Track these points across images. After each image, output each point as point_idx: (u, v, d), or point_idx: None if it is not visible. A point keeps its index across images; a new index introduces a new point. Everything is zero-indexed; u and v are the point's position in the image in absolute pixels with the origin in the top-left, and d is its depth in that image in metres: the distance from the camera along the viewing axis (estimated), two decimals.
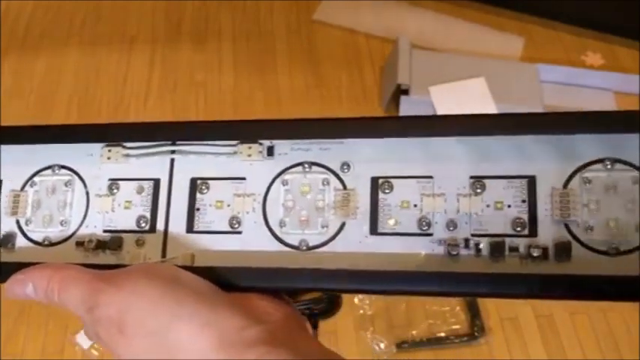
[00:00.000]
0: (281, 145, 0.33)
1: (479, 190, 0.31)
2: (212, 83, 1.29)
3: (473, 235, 0.30)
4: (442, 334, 0.86)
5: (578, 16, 1.33)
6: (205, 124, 0.34)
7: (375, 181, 0.32)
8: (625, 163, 0.30)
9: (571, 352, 0.89)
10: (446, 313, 0.87)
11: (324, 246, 0.31)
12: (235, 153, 0.33)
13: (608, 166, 0.30)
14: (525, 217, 0.30)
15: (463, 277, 0.29)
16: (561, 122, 0.30)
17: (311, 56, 1.32)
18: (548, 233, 0.29)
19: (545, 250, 0.29)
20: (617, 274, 0.28)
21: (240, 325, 0.28)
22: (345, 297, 0.95)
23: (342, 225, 0.31)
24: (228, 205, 0.33)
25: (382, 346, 0.84)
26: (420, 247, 0.30)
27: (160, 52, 1.36)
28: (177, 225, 0.33)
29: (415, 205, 0.31)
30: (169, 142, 0.34)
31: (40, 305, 0.94)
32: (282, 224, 0.32)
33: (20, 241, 0.35)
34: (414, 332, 0.86)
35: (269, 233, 0.32)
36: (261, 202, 0.32)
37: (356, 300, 0.89)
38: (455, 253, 0.30)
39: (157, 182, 0.34)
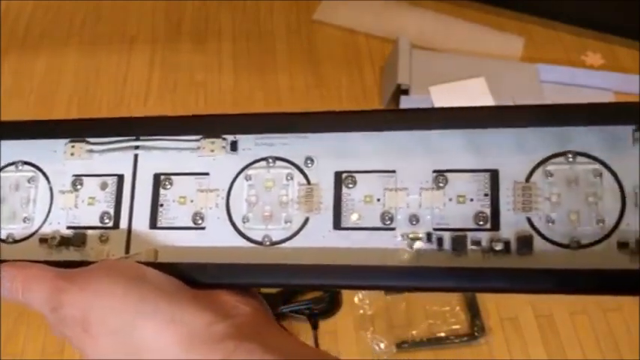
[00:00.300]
0: (245, 140, 0.33)
1: (441, 184, 0.31)
2: (212, 83, 1.29)
3: (435, 230, 0.30)
4: (442, 334, 0.86)
5: (578, 16, 1.33)
6: (168, 118, 0.34)
7: (338, 175, 0.32)
8: (587, 156, 0.30)
9: (571, 352, 0.89)
10: (446, 313, 0.87)
11: (288, 241, 0.31)
12: (199, 148, 0.33)
13: (570, 159, 0.30)
14: (488, 210, 0.30)
15: (425, 272, 0.29)
16: (524, 115, 0.30)
17: (311, 56, 1.32)
18: (510, 227, 0.29)
19: (507, 243, 0.29)
20: (578, 267, 0.28)
21: (206, 321, 0.28)
22: (345, 297, 0.95)
23: (306, 220, 0.31)
24: (192, 201, 0.33)
25: (382, 346, 0.84)
26: (383, 242, 0.30)
27: (160, 52, 1.36)
28: (141, 221, 0.33)
29: (378, 200, 0.31)
30: (133, 138, 0.34)
31: None
32: (245, 220, 0.32)
33: None
34: (414, 332, 0.86)
35: (232, 229, 0.32)
36: (224, 197, 0.32)
37: (356, 300, 0.89)
38: (417, 247, 0.30)
39: (120, 178, 0.34)
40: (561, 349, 0.89)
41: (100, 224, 0.33)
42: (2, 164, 0.35)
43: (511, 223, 0.29)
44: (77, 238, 0.33)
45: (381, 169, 0.31)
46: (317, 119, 0.32)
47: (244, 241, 0.32)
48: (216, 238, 0.32)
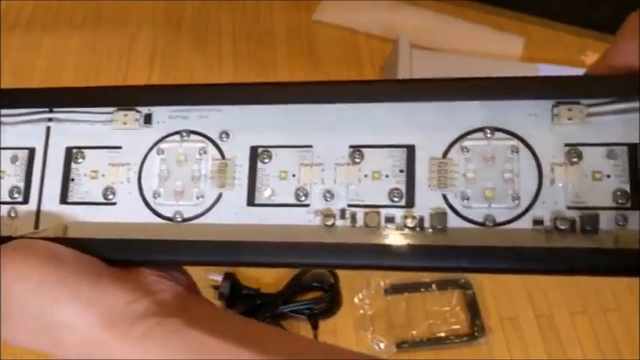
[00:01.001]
0: (159, 113, 0.32)
1: (357, 160, 0.30)
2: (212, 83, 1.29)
3: (349, 206, 0.29)
4: (442, 334, 0.86)
5: (578, 16, 1.33)
6: (82, 90, 0.33)
7: (254, 150, 0.31)
8: (505, 131, 0.29)
9: (571, 352, 0.89)
10: (446, 313, 0.87)
11: (200, 217, 0.31)
12: (112, 121, 0.32)
13: (489, 135, 0.29)
14: (403, 187, 0.29)
15: (337, 248, 0.29)
16: (444, 89, 0.31)
17: (311, 56, 1.32)
18: (425, 203, 0.29)
19: (421, 220, 0.29)
20: (492, 244, 0.27)
21: (126, 299, 0.27)
22: (345, 297, 0.95)
23: (219, 196, 0.31)
24: (103, 175, 0.32)
25: (382, 346, 0.84)
26: (297, 218, 0.30)
27: (160, 52, 1.36)
28: (52, 196, 0.32)
29: (293, 175, 0.30)
30: (46, 110, 0.32)
31: None
32: (156, 195, 0.31)
33: None
34: (414, 332, 0.86)
35: (143, 204, 0.31)
36: (136, 172, 0.31)
37: (356, 300, 0.89)
38: (330, 223, 0.29)
39: (31, 151, 0.33)
40: (561, 349, 0.89)
41: (9, 199, 0.32)
42: None
43: (426, 200, 0.29)
44: None
45: (298, 144, 0.30)
46: (233, 91, 0.32)
47: (155, 217, 0.31)
48: (128, 214, 0.31)
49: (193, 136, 0.31)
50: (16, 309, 0.28)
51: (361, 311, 0.88)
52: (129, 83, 1.33)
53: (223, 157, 0.31)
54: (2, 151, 0.33)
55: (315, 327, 0.85)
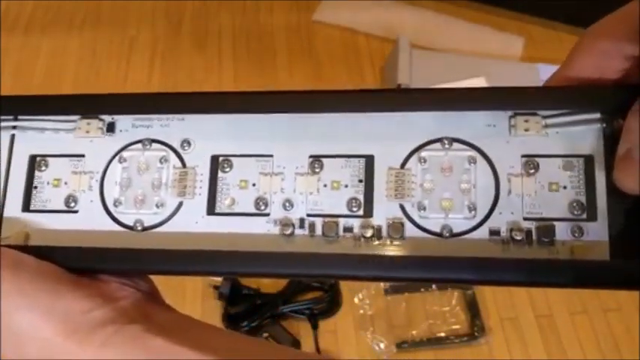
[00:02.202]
0: (122, 121, 0.32)
1: (317, 170, 0.30)
2: (212, 83, 1.29)
3: (309, 215, 0.30)
4: (442, 334, 0.86)
5: (578, 16, 1.33)
6: (45, 97, 0.33)
7: (215, 159, 0.31)
8: (463, 142, 0.29)
9: (571, 352, 0.89)
10: (446, 313, 0.87)
11: (160, 226, 0.31)
12: (75, 129, 0.32)
13: (447, 146, 0.29)
14: (361, 197, 0.30)
15: (295, 257, 0.29)
16: (403, 100, 0.30)
17: (311, 56, 1.32)
18: (383, 213, 0.29)
19: (379, 230, 0.29)
20: (448, 255, 0.28)
21: (85, 308, 0.27)
22: (345, 297, 0.95)
23: (179, 205, 0.31)
24: (66, 184, 0.32)
25: (382, 346, 0.84)
26: (257, 228, 0.30)
27: (160, 52, 1.36)
28: (14, 204, 0.32)
29: (254, 185, 0.30)
30: (11, 117, 0.33)
31: None
32: (117, 203, 0.31)
33: None
34: (414, 332, 0.86)
35: (105, 212, 0.31)
36: (98, 180, 0.32)
37: (356, 300, 0.89)
38: (288, 233, 0.29)
39: None
40: (561, 349, 0.89)
41: None
42: None
43: (384, 210, 0.29)
44: None
45: (258, 154, 0.31)
46: (195, 100, 0.32)
47: (116, 225, 0.31)
48: (89, 222, 0.31)
49: (155, 145, 0.32)
50: None
51: (361, 311, 0.88)
52: (129, 83, 1.33)
53: (184, 165, 0.31)
54: None
55: (315, 327, 0.85)
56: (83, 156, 0.32)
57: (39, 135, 0.32)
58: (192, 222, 0.30)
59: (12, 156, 0.33)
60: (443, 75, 1.17)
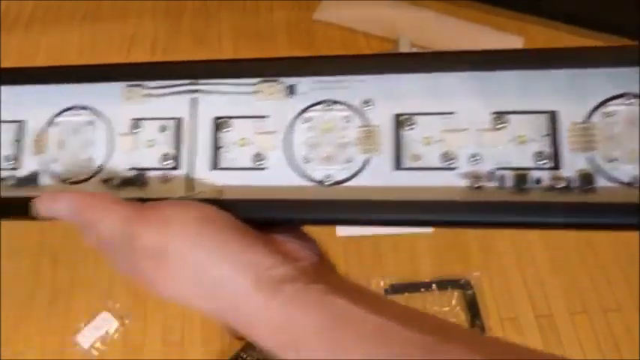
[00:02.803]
0: (302, 84, 0.33)
1: (501, 125, 0.31)
2: None
3: (497, 169, 0.31)
4: None
5: (578, 16, 1.33)
6: (227, 62, 0.35)
7: (397, 117, 0.32)
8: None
9: (571, 352, 0.89)
10: (446, 313, 0.87)
11: (349, 181, 0.32)
12: (257, 92, 0.34)
13: (631, 100, 0.31)
14: (548, 150, 0.31)
15: (487, 206, 0.30)
16: (583, 56, 0.32)
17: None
18: (571, 165, 0.30)
19: (568, 181, 0.30)
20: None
21: (269, 263, 0.29)
22: None
23: (366, 160, 0.32)
24: (251, 143, 0.33)
25: None
26: (444, 181, 0.31)
27: (160, 52, 1.36)
28: (201, 162, 0.34)
29: (438, 141, 0.31)
30: (191, 81, 0.34)
31: (41, 305, 0.94)
32: (306, 160, 0.32)
33: (44, 180, 0.35)
34: None
35: (293, 169, 0.33)
36: (284, 139, 0.33)
37: None
38: (478, 185, 0.30)
39: (179, 121, 0.34)
40: (561, 349, 0.89)
41: (160, 166, 0.34)
42: (60, 109, 0.36)
43: (572, 162, 0.30)
44: (138, 179, 0.34)
45: (441, 111, 0.32)
46: (374, 61, 0.33)
47: (305, 180, 0.32)
48: (277, 178, 0.32)
49: (337, 106, 0.33)
50: (175, 259, 0.29)
51: None
52: None
53: (367, 124, 0.32)
54: (151, 121, 0.35)
55: None
56: (266, 117, 0.33)
57: (221, 98, 0.34)
58: (380, 176, 0.31)
59: (194, 118, 0.34)
60: None
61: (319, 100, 0.33)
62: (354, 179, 0.32)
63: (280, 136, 0.33)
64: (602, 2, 1.28)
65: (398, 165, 0.31)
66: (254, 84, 0.34)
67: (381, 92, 0.32)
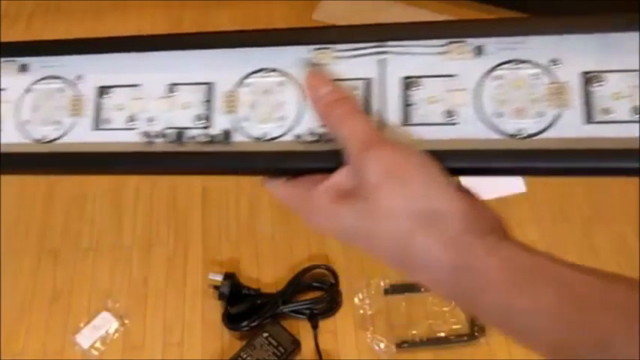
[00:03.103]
0: (488, 45, 0.35)
1: None
2: None
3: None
4: (442, 334, 0.86)
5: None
6: (414, 24, 0.37)
7: (585, 75, 0.33)
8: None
9: None
10: (446, 313, 0.87)
11: (541, 134, 0.33)
12: (445, 52, 0.35)
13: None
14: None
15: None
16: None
17: None
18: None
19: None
20: None
21: (480, 213, 0.31)
22: (345, 297, 0.94)
23: (557, 115, 0.33)
24: (442, 100, 0.35)
25: (382, 346, 0.84)
26: (637, 132, 0.32)
27: None
28: (393, 119, 0.36)
29: (628, 95, 0.32)
30: (379, 44, 0.36)
31: (41, 305, 0.94)
32: (497, 115, 0.34)
33: (238, 137, 0.38)
34: (414, 332, 0.86)
35: (485, 123, 0.34)
36: (474, 96, 0.34)
37: (356, 300, 0.89)
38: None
39: (368, 82, 0.36)
40: None
41: None
42: (251, 70, 0.39)
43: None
44: (330, 135, 0.36)
45: (628, 69, 0.33)
46: (557, 23, 0.35)
47: (498, 134, 0.34)
48: (469, 132, 0.34)
49: (524, 65, 0.34)
50: (380, 205, 0.31)
51: (361, 311, 0.88)
52: None
53: (556, 81, 0.34)
54: (341, 82, 0.37)
55: (315, 327, 0.85)
56: (455, 76, 0.35)
57: (409, 58, 0.36)
58: (572, 129, 0.33)
59: (383, 78, 0.36)
60: None
61: (507, 59, 0.35)
62: (545, 132, 0.33)
63: (470, 94, 0.35)
64: (602, 2, 1.28)
65: (589, 119, 0.33)
66: (442, 45, 0.35)
67: (568, 51, 0.34)
